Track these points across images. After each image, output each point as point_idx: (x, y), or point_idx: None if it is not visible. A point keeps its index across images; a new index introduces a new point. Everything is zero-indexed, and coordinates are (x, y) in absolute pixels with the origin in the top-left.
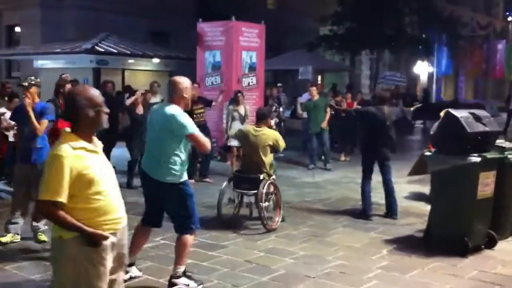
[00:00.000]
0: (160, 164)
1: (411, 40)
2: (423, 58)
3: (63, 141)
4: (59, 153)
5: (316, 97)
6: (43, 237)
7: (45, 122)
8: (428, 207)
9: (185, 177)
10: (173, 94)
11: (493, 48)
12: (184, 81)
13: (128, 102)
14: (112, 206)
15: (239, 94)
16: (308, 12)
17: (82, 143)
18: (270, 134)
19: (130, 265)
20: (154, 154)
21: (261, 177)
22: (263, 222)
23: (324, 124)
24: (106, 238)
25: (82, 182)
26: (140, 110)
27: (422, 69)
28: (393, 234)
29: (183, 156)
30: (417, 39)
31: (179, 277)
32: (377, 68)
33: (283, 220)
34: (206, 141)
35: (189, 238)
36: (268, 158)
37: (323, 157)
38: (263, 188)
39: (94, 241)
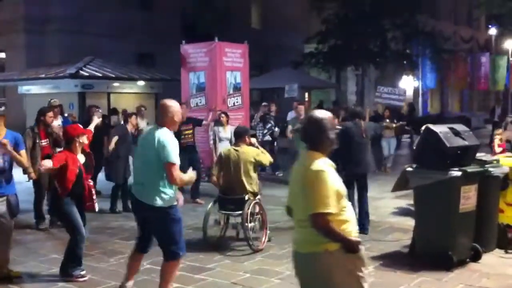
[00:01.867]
0: (149, 188)
1: (395, 55)
2: (408, 73)
3: (316, 158)
4: (322, 169)
5: (303, 115)
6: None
7: (23, 154)
8: (413, 222)
9: (173, 201)
10: (164, 117)
11: (477, 61)
12: (174, 105)
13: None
14: (351, 217)
15: (223, 115)
16: (293, 30)
17: (329, 160)
18: (249, 152)
19: None
20: (144, 177)
21: (246, 197)
22: (248, 242)
23: None
24: (360, 244)
25: (337, 195)
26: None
27: (407, 84)
28: (379, 250)
29: None
30: (401, 53)
31: None
32: (363, 84)
33: (269, 240)
34: (178, 177)
35: (175, 264)
36: (252, 177)
37: None
38: (248, 208)
39: (353, 249)
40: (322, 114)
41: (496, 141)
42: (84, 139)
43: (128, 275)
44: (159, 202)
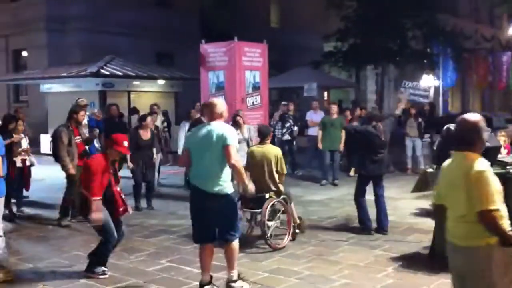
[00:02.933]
0: (212, 177)
1: (415, 54)
2: (428, 72)
3: (475, 159)
4: (485, 169)
5: (335, 115)
6: None
7: None
8: (434, 223)
9: (232, 188)
10: (214, 114)
11: (499, 60)
12: (221, 102)
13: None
14: (506, 213)
15: (238, 118)
16: (312, 29)
17: (486, 160)
18: (273, 151)
19: (208, 284)
20: (206, 169)
21: (267, 196)
22: (266, 240)
23: (341, 145)
24: None
25: (499, 193)
26: (146, 135)
27: (428, 83)
28: (399, 252)
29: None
30: (421, 53)
31: (235, 280)
32: (383, 83)
33: (293, 239)
34: (236, 157)
35: (236, 244)
36: (275, 176)
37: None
38: (266, 206)
39: (509, 242)
40: (476, 117)
41: (501, 142)
42: (117, 156)
43: (203, 270)
44: (222, 189)
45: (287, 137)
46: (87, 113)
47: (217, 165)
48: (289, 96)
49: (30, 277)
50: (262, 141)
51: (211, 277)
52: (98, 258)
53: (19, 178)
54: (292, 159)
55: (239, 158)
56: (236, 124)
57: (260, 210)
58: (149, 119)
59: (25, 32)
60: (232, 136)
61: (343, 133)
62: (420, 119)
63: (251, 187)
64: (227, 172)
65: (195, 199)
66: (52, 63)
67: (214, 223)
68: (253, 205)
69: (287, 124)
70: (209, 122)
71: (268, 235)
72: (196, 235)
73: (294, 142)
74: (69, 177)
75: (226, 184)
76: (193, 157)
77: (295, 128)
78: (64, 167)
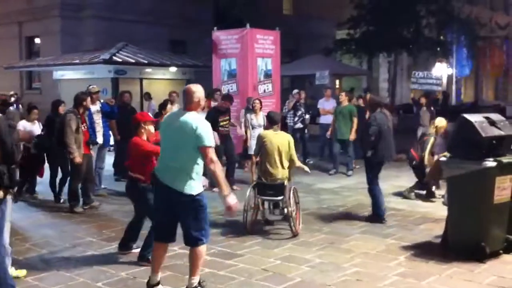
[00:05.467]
0: (181, 174)
1: (429, 42)
2: (442, 60)
3: None
4: None
5: (345, 103)
6: None
7: None
8: (446, 212)
9: (202, 188)
10: (191, 102)
11: None
12: (199, 90)
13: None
14: None
15: (257, 102)
16: (324, 16)
17: None
18: (286, 137)
19: (156, 284)
20: (175, 163)
21: (285, 183)
22: (291, 227)
23: (352, 135)
24: None
25: None
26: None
27: (441, 71)
28: (410, 240)
29: (201, 166)
30: (434, 40)
31: None
32: (395, 71)
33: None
34: (215, 159)
35: (203, 249)
36: (287, 162)
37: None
38: (289, 194)
39: None
40: None
41: None
42: (151, 128)
43: (154, 270)
44: (190, 188)
45: (299, 125)
46: (101, 100)
47: (188, 162)
48: (301, 84)
49: (43, 263)
50: (271, 127)
51: (159, 280)
52: (131, 234)
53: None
54: (304, 147)
55: (217, 161)
56: (251, 110)
57: (280, 197)
58: (169, 106)
59: (38, 19)
60: (208, 135)
61: (355, 122)
62: (432, 108)
63: (230, 200)
64: (198, 170)
65: (160, 194)
66: (65, 50)
67: (176, 223)
68: (272, 192)
69: (299, 113)
70: (184, 112)
71: (292, 222)
72: (156, 232)
73: (306, 130)
74: (74, 165)
75: (196, 183)
76: (163, 148)
77: (307, 116)
78: (71, 154)
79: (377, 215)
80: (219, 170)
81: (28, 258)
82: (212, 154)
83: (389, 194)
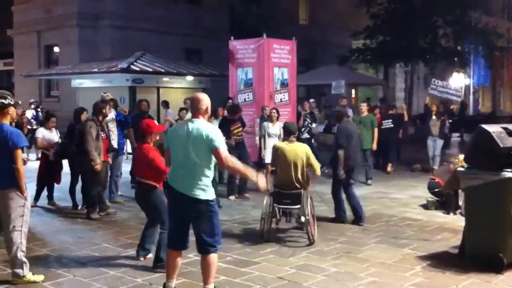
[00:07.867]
0: (194, 180)
1: (446, 51)
2: (459, 70)
3: None
4: None
5: (366, 113)
6: None
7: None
8: (463, 222)
9: (214, 194)
10: (199, 109)
11: None
12: (206, 98)
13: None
14: None
15: (274, 111)
16: (340, 26)
17: None
18: (303, 148)
19: None
20: (185, 171)
21: (303, 192)
22: (309, 236)
23: (374, 144)
24: None
25: None
26: None
27: (458, 81)
28: (427, 250)
29: (212, 172)
30: (451, 50)
31: None
32: (412, 81)
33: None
34: (229, 158)
35: (215, 257)
36: (304, 172)
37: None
38: (307, 202)
39: None
40: None
41: None
42: (157, 137)
43: (170, 275)
44: (204, 194)
45: (305, 135)
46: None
47: (200, 168)
48: (316, 94)
49: (60, 268)
50: (287, 139)
51: (175, 287)
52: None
53: (50, 171)
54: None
55: (231, 158)
56: (268, 119)
57: (297, 206)
58: (184, 111)
59: (57, 28)
60: (219, 137)
61: (376, 131)
62: (443, 118)
63: (261, 182)
64: (210, 176)
65: (173, 202)
66: (83, 59)
67: (189, 229)
68: (289, 201)
69: (305, 123)
70: (193, 120)
71: (309, 230)
72: (169, 239)
73: (313, 140)
74: (94, 172)
75: (208, 189)
76: (174, 157)
77: (313, 125)
78: (92, 161)
79: (358, 218)
80: (236, 161)
81: (46, 263)
82: (225, 152)
83: (405, 205)
